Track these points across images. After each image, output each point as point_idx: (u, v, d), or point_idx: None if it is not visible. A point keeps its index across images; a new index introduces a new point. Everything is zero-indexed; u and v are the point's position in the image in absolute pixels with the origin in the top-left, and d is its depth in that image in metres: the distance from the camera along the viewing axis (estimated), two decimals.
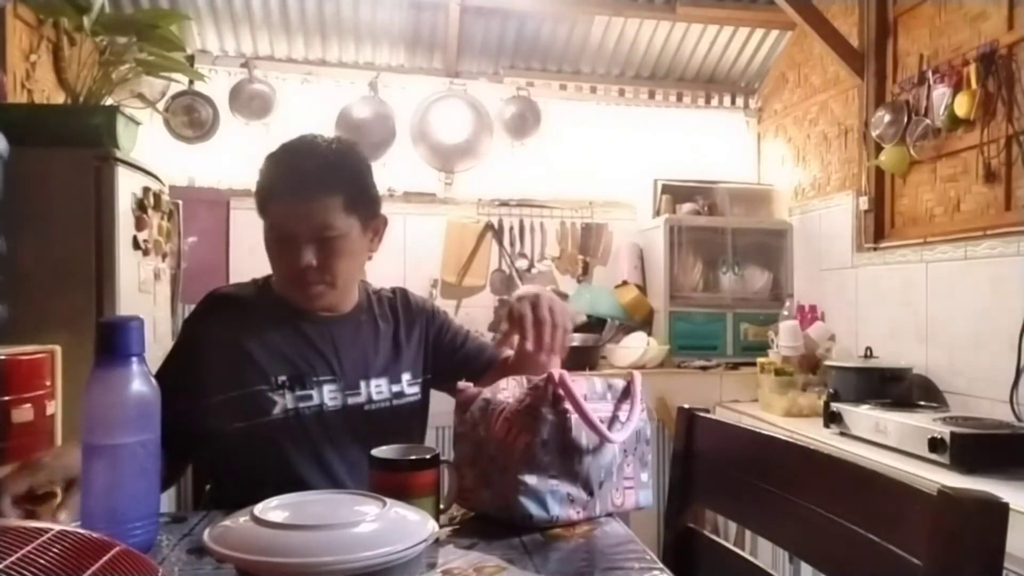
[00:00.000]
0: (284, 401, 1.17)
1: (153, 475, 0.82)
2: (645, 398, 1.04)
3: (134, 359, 0.80)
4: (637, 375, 1.05)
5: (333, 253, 1.18)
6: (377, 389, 1.26)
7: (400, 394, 1.28)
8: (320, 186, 1.16)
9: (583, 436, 0.95)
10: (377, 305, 1.35)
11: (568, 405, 0.93)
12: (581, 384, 0.97)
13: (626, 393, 1.03)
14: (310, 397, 1.19)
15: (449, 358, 1.36)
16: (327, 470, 1.18)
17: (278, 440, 1.17)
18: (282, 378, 1.18)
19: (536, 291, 1.20)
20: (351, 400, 1.23)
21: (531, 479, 0.91)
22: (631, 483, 1.02)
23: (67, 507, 0.87)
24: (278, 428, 1.16)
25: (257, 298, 1.27)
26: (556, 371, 0.95)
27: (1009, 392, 2.02)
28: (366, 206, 1.22)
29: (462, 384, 1.07)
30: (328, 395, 1.21)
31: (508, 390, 1.02)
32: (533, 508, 0.90)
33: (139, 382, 0.80)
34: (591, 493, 0.96)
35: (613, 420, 1.00)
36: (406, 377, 1.30)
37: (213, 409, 1.17)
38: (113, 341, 0.80)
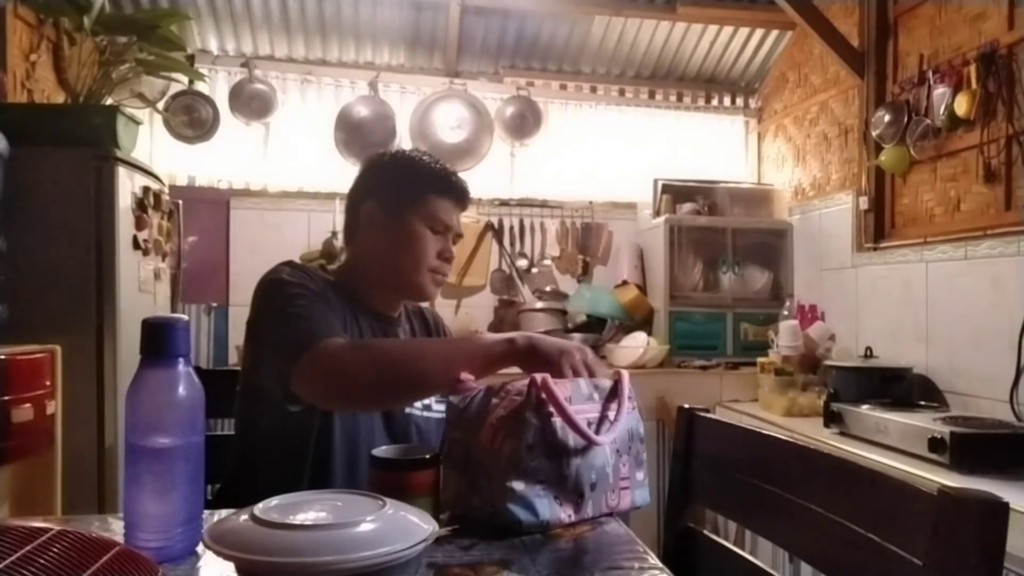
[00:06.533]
0: None
1: (198, 479, 0.80)
2: (635, 396, 1.03)
3: (180, 360, 0.79)
4: (624, 374, 1.03)
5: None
6: None
7: (428, 407, 1.28)
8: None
9: (570, 439, 0.93)
10: (409, 312, 1.39)
11: (552, 409, 0.93)
12: (566, 386, 0.95)
13: (614, 393, 1.02)
14: None
15: None
16: (354, 473, 1.16)
17: (324, 430, 1.16)
18: None
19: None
20: None
21: (519, 485, 0.90)
22: (627, 483, 1.01)
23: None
24: (324, 419, 1.15)
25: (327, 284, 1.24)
26: (539, 375, 0.94)
27: (1009, 392, 2.02)
28: None
29: (464, 375, 1.06)
30: None
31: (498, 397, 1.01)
32: (522, 514, 0.89)
33: (185, 383, 0.78)
34: (581, 495, 0.95)
35: (602, 420, 0.98)
36: None
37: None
38: (160, 342, 0.78)
